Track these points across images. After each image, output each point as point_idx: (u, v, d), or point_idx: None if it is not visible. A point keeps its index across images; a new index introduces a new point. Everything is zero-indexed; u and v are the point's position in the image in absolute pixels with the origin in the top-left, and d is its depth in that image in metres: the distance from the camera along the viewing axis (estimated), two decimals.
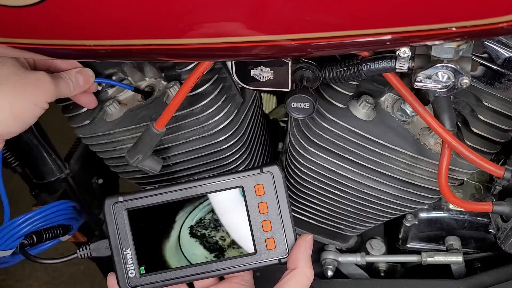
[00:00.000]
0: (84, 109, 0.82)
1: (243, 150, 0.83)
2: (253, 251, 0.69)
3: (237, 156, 0.82)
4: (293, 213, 0.92)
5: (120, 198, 0.69)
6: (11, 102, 0.63)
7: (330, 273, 0.95)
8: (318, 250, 0.98)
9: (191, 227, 0.71)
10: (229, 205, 0.70)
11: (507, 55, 0.66)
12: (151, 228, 0.71)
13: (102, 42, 0.55)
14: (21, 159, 0.99)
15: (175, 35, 0.52)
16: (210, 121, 0.77)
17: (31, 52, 0.59)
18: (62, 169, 0.99)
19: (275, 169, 0.69)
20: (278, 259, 0.69)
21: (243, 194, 0.69)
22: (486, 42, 0.66)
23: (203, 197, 0.70)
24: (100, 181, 1.10)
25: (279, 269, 0.69)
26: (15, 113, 0.64)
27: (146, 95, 0.82)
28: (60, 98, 0.72)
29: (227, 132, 0.79)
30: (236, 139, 0.80)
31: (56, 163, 0.98)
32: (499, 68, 0.68)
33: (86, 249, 0.73)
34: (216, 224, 0.71)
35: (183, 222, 0.71)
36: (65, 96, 0.73)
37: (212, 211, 0.70)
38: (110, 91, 0.83)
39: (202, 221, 0.71)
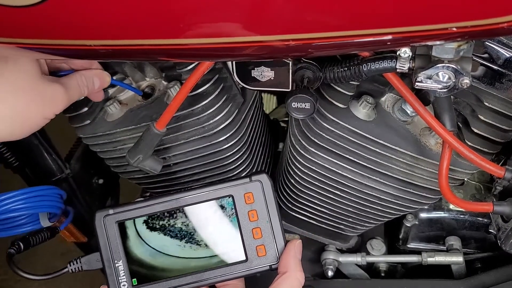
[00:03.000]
0: (85, 109, 0.82)
1: (244, 150, 0.83)
2: (244, 258, 0.70)
3: (237, 156, 0.82)
4: (294, 213, 0.92)
5: (110, 211, 0.70)
6: (24, 117, 0.64)
7: (330, 273, 0.95)
8: (318, 250, 0.98)
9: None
10: (219, 213, 0.71)
11: (508, 55, 0.66)
12: (142, 240, 0.71)
13: (102, 42, 0.55)
14: (21, 159, 0.99)
15: (176, 35, 0.52)
16: (211, 121, 0.77)
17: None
18: (63, 169, 0.99)
19: (263, 178, 0.70)
20: (269, 265, 0.70)
21: (233, 202, 0.70)
22: (486, 42, 0.66)
23: (193, 207, 0.71)
24: (101, 181, 1.10)
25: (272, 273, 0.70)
26: (24, 126, 0.66)
27: (146, 95, 0.82)
28: None
29: (228, 132, 0.79)
30: (236, 139, 0.80)
31: (56, 163, 0.98)
32: (499, 68, 0.68)
33: (77, 263, 0.73)
34: (206, 232, 0.71)
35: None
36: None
37: (203, 220, 0.71)
38: (111, 91, 0.83)
39: (194, 231, 0.71)
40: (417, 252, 0.96)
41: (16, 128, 0.65)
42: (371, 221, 0.89)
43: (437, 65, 0.60)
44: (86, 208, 1.05)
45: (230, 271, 0.70)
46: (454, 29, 0.50)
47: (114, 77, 0.82)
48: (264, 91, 1.17)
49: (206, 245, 0.71)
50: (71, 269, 0.74)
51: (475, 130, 0.74)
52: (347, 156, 0.77)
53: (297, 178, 0.84)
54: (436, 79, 0.61)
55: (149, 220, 0.71)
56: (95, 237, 0.70)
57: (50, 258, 1.82)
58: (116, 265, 0.70)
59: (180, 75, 0.77)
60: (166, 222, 0.71)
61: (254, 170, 0.89)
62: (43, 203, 0.88)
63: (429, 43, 0.58)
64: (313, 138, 0.77)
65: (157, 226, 0.71)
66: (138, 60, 0.79)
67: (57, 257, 1.82)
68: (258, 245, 0.70)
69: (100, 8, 0.50)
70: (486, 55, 0.68)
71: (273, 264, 0.70)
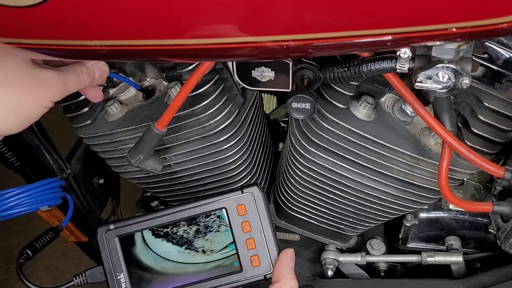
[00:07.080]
0: (86, 109, 0.83)
1: (244, 150, 0.83)
2: (239, 268, 0.72)
3: (238, 156, 0.82)
4: (294, 213, 0.93)
5: (111, 226, 0.74)
6: (17, 104, 0.62)
7: (330, 273, 0.95)
8: (318, 250, 0.99)
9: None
10: (214, 226, 0.73)
11: (507, 56, 0.66)
12: (142, 252, 0.74)
13: (103, 43, 0.55)
14: (22, 159, 0.99)
15: (177, 35, 0.53)
16: (211, 121, 0.77)
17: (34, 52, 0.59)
18: (64, 169, 0.99)
19: (255, 190, 0.72)
20: (263, 275, 0.72)
21: (227, 214, 0.72)
22: (486, 43, 0.67)
23: (189, 220, 0.73)
24: (101, 181, 1.10)
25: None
26: (20, 114, 0.63)
27: (147, 96, 0.82)
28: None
29: (228, 132, 0.79)
30: (237, 139, 0.80)
31: (57, 163, 0.98)
32: (499, 69, 0.68)
33: (82, 276, 0.77)
34: (202, 241, 0.73)
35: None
36: (75, 90, 0.69)
37: (198, 232, 0.73)
38: (112, 91, 0.84)
39: (191, 243, 0.74)
40: (417, 252, 0.96)
41: (12, 119, 0.63)
42: (371, 221, 0.89)
43: (437, 66, 0.60)
44: (87, 208, 1.06)
45: (226, 281, 0.72)
46: (454, 29, 0.50)
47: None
48: (264, 91, 1.17)
49: (204, 252, 0.73)
50: (77, 282, 0.77)
51: (475, 130, 0.74)
52: (347, 156, 0.77)
53: (297, 178, 0.84)
54: (436, 80, 0.61)
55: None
56: (98, 251, 0.74)
57: (51, 258, 1.82)
58: (118, 277, 0.73)
59: (180, 76, 0.77)
60: (169, 230, 0.74)
61: (254, 170, 0.89)
62: (47, 196, 0.90)
63: (429, 43, 0.58)
64: (313, 138, 0.77)
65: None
66: (138, 61, 0.79)
67: (58, 256, 1.83)
68: (252, 256, 0.72)
69: (100, 8, 0.50)
70: (486, 56, 0.68)
71: (267, 274, 0.72)
